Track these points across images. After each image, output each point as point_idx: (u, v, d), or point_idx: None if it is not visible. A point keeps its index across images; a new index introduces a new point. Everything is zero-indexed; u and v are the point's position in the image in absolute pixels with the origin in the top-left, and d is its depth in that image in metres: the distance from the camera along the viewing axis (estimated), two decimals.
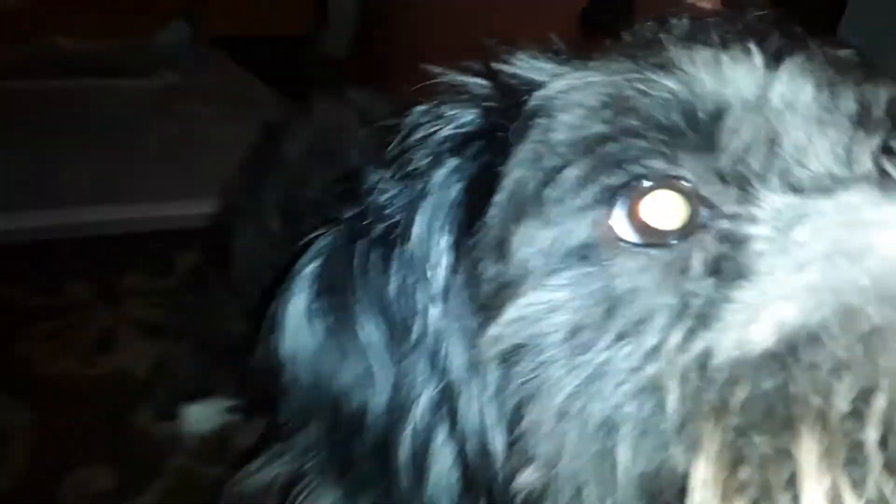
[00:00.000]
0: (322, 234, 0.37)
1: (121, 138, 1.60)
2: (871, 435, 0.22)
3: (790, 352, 0.24)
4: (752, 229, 0.27)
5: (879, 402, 0.23)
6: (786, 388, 0.24)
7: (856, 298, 0.24)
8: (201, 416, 0.95)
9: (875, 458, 0.22)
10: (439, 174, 0.34)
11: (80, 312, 1.15)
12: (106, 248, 1.29)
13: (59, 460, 0.91)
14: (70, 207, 1.39)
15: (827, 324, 0.24)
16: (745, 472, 0.24)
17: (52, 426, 0.95)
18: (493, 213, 0.32)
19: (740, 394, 0.25)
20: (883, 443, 0.22)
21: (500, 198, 0.32)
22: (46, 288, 1.19)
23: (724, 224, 0.28)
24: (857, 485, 0.23)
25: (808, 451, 0.23)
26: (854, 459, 0.23)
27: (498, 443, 0.32)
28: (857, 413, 0.23)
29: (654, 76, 0.30)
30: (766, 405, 0.24)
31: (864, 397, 0.23)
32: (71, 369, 1.04)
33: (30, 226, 1.34)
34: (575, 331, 0.29)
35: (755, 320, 0.25)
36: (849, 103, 0.30)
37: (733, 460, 0.25)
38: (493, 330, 0.30)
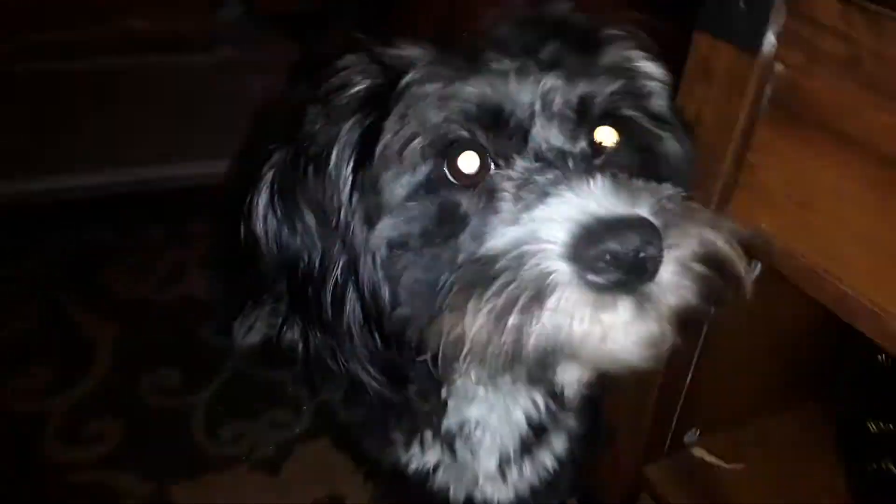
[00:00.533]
0: (279, 149, 0.53)
1: (187, 106, 1.79)
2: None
3: (498, 256, 0.42)
4: (505, 182, 0.45)
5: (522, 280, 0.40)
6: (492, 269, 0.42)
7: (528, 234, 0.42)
8: (247, 328, 1.13)
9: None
10: (348, 122, 0.49)
11: (156, 250, 1.34)
12: (178, 198, 1.48)
13: (137, 365, 1.08)
14: (148, 165, 1.60)
15: (514, 244, 0.42)
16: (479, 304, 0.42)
17: (131, 339, 1.13)
18: (375, 157, 0.48)
19: (480, 270, 0.43)
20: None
21: (378, 148, 0.48)
22: (129, 231, 1.39)
23: (496, 176, 0.46)
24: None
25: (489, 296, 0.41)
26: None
27: (385, 293, 0.50)
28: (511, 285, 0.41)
29: (471, 79, 0.47)
30: (484, 276, 0.42)
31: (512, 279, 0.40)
32: (147, 294, 1.23)
33: (117, 180, 1.55)
34: (422, 233, 0.48)
35: (493, 237, 0.44)
36: (578, 100, 0.47)
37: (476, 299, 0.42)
38: (376, 230, 0.48)
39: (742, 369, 0.75)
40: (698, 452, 0.78)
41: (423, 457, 0.65)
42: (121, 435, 0.98)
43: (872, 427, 0.73)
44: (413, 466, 0.66)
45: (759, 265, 0.64)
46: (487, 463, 0.63)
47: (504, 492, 0.65)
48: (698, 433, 0.78)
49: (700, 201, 0.58)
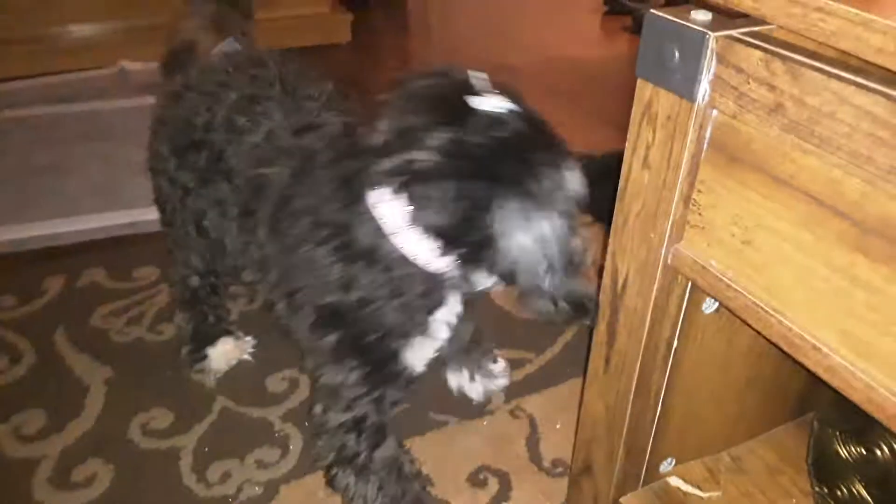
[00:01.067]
0: None
1: None
2: None
3: None
4: None
5: None
6: None
7: None
8: (220, 354, 1.15)
9: None
10: None
11: (147, 292, 1.36)
12: (166, 240, 1.50)
13: (129, 405, 1.10)
14: (139, 208, 1.63)
15: None
16: None
17: (123, 380, 1.15)
18: None
19: None
20: None
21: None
22: (121, 273, 1.42)
23: None
24: None
25: None
26: None
27: None
28: None
29: None
30: None
31: None
32: (140, 336, 1.25)
33: (108, 224, 1.59)
34: None
35: None
36: None
37: None
38: None
39: (714, 399, 0.76)
40: (674, 482, 0.79)
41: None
42: (111, 479, 0.99)
43: (842, 451, 0.74)
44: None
45: (716, 302, 0.66)
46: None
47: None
48: (673, 462, 0.79)
49: (655, 239, 0.60)
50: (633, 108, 0.59)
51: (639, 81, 0.57)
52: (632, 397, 0.71)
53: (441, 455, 1.03)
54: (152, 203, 1.54)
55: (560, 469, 1.01)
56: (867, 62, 0.44)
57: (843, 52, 0.44)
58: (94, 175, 1.75)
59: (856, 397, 0.48)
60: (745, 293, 0.54)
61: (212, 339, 1.15)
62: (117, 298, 1.34)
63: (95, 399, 1.12)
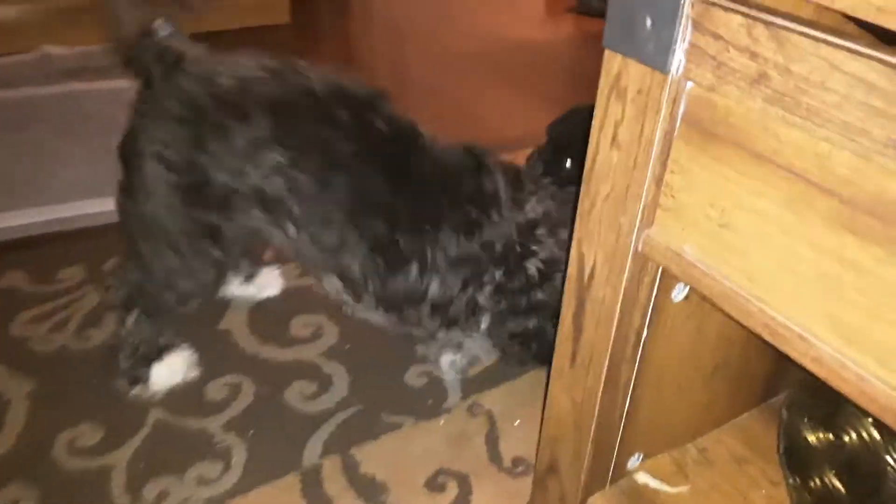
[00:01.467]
0: None
1: (109, 138, 1.71)
2: None
3: None
4: None
5: None
6: None
7: None
8: (166, 372, 1.06)
9: None
10: None
11: (72, 294, 1.26)
12: (93, 237, 1.40)
13: (54, 422, 1.01)
14: (64, 203, 1.51)
15: None
16: None
17: (47, 394, 1.05)
18: None
19: None
20: None
21: None
22: (44, 275, 1.30)
23: None
24: None
25: None
26: None
27: None
28: None
29: None
30: None
31: None
32: (65, 344, 1.15)
33: (29, 222, 1.47)
34: None
35: None
36: None
37: None
38: None
39: (682, 388, 0.73)
40: (642, 478, 0.76)
41: None
42: None
43: (812, 438, 0.72)
44: None
45: (686, 287, 0.62)
46: None
47: None
48: (642, 457, 0.76)
49: (625, 224, 0.56)
50: (601, 83, 0.54)
51: (606, 53, 0.53)
52: (601, 392, 0.67)
53: (396, 459, 0.97)
54: (80, 197, 1.44)
55: (521, 468, 0.97)
56: (852, 22, 0.40)
57: (837, 11, 0.40)
58: (15, 168, 1.62)
59: (846, 389, 0.45)
60: (722, 280, 0.51)
61: (157, 353, 1.06)
62: (40, 303, 1.24)
63: (16, 416, 1.02)
